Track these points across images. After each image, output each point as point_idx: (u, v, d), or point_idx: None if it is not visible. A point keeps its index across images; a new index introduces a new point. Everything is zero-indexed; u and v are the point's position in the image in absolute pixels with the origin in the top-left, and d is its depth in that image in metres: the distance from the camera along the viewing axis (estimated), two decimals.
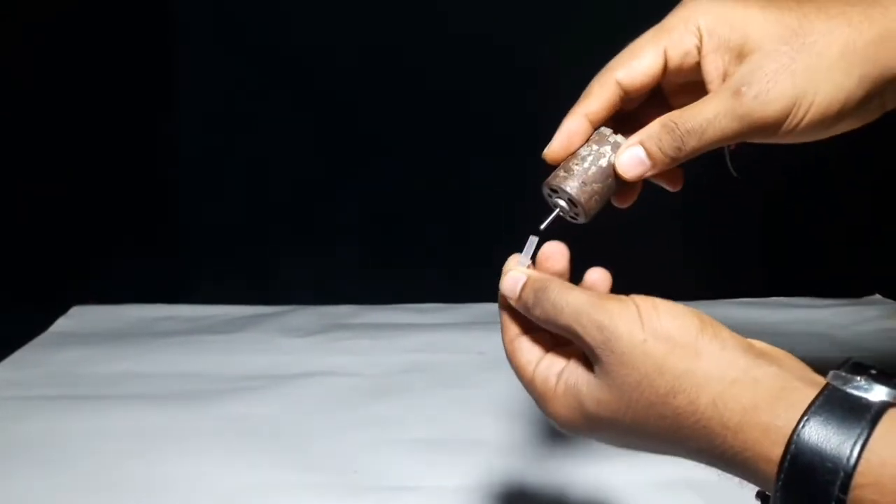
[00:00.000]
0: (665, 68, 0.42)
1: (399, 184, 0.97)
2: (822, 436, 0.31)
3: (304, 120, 0.96)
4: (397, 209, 0.98)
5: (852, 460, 0.30)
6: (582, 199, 0.42)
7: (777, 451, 0.32)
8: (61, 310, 0.91)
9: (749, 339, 0.36)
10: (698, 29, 0.41)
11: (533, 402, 0.40)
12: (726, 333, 0.36)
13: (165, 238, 0.98)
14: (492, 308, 0.92)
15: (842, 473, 0.30)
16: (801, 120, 0.39)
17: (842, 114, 0.39)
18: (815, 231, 1.00)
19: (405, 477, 0.57)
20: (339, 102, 0.95)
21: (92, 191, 0.95)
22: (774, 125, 0.39)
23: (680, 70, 0.42)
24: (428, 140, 0.96)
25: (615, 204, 0.45)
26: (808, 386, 0.33)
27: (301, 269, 0.97)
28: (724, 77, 0.40)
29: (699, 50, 0.41)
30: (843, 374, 0.32)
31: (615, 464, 0.57)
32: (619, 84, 0.42)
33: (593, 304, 0.37)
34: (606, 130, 0.43)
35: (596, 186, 0.42)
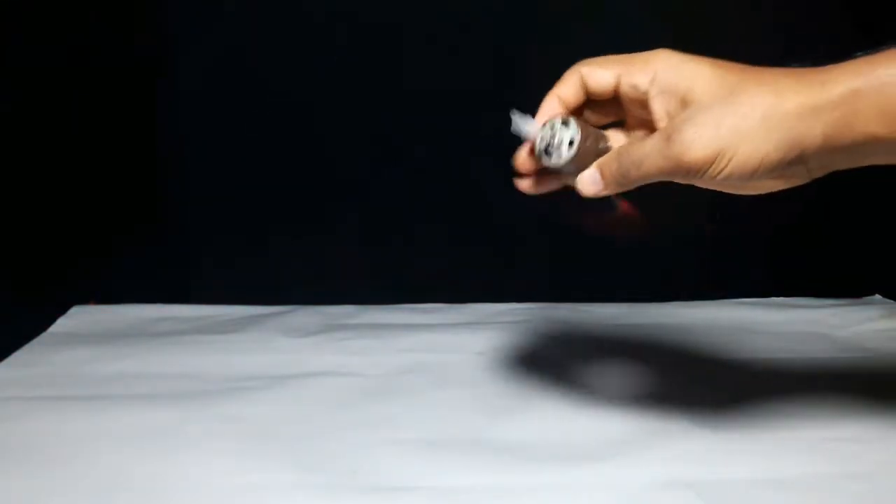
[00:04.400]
0: (617, 89, 0.49)
1: (399, 184, 0.97)
2: None
3: (305, 119, 0.96)
4: (398, 209, 0.98)
5: None
6: (578, 141, 0.48)
7: None
8: (61, 310, 0.91)
9: None
10: (655, 72, 0.47)
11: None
12: None
13: (166, 238, 0.98)
14: (492, 308, 0.93)
15: None
16: (722, 170, 0.44)
17: (759, 172, 0.44)
18: (815, 231, 1.00)
19: (405, 477, 0.57)
20: (339, 102, 0.95)
21: (92, 190, 0.95)
22: (698, 171, 0.45)
23: (631, 100, 0.49)
24: (428, 140, 0.96)
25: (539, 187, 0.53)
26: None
27: (301, 269, 0.97)
28: (668, 118, 0.47)
29: (649, 91, 0.48)
30: None
31: (615, 464, 0.57)
32: (582, 78, 0.50)
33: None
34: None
35: (590, 144, 0.49)
